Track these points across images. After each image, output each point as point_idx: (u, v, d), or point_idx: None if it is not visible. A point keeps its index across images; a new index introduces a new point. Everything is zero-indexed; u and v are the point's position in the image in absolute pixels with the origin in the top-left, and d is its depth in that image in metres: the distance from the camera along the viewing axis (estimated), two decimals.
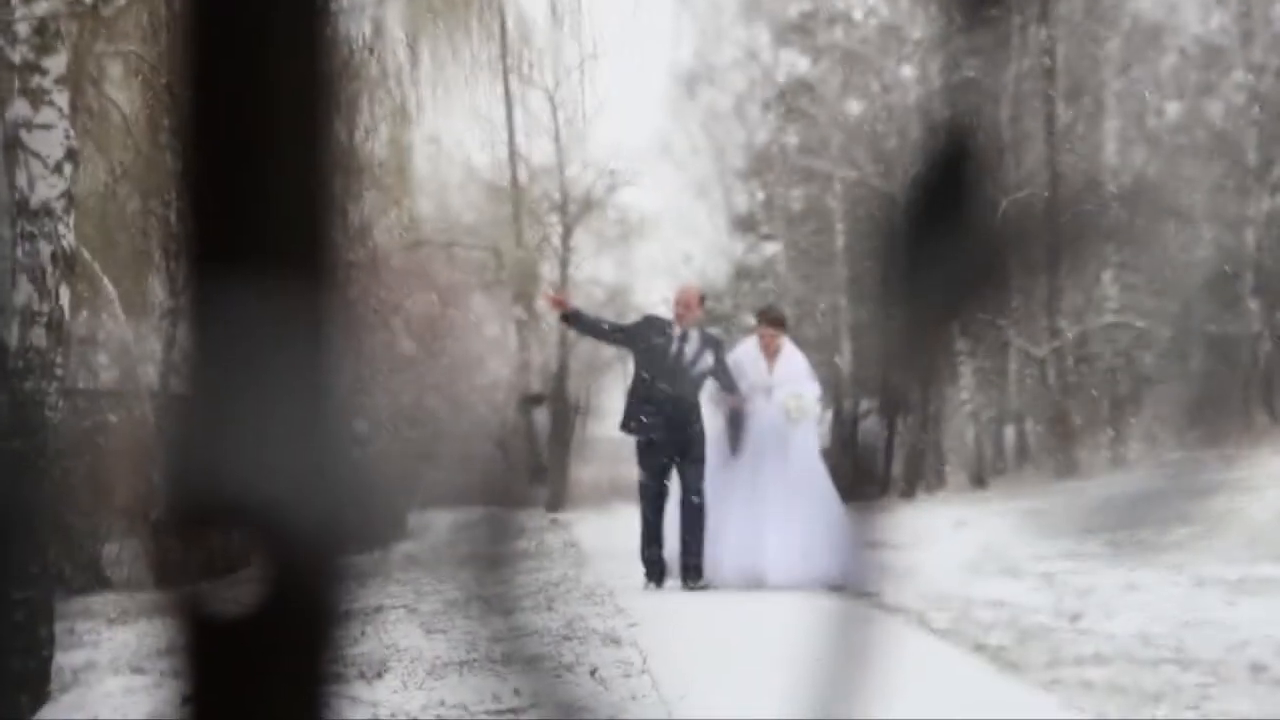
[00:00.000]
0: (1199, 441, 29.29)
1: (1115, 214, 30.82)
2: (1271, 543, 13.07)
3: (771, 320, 14.61)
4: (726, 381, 13.77)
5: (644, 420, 13.41)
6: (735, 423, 13.81)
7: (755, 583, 13.14)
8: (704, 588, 13.07)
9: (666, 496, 13.48)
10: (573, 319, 14.70)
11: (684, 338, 13.61)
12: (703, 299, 14.28)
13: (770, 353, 14.21)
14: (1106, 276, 30.75)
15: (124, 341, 20.14)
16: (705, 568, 13.28)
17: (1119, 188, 31.04)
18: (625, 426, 13.77)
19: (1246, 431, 28.82)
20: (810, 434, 14.39)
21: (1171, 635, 8.92)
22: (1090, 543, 15.55)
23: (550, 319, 33.44)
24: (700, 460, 13.38)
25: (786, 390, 13.96)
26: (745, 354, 14.42)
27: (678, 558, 13.47)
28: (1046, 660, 8.32)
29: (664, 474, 13.46)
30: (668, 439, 13.33)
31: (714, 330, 16.06)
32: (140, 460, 19.43)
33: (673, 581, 13.55)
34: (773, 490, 13.52)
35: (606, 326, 14.91)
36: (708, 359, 13.62)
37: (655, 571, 13.44)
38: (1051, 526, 17.98)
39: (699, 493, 13.17)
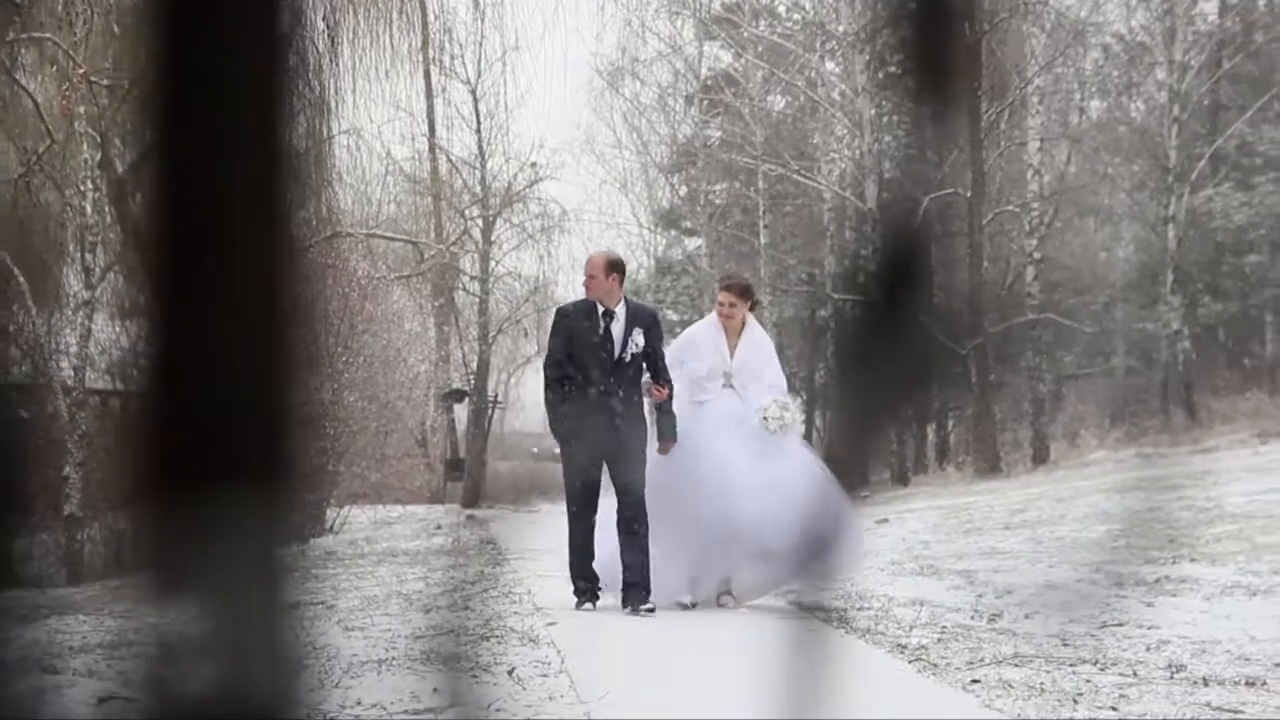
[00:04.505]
0: (1119, 440, 29.51)
1: (1037, 212, 31.00)
2: (1190, 542, 13.12)
3: (732, 288, 12.03)
4: (654, 365, 11.56)
5: (572, 418, 11.39)
6: (662, 415, 11.54)
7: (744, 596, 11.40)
8: (651, 611, 11.03)
9: (596, 506, 11.44)
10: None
11: (608, 316, 11.47)
12: (613, 265, 11.69)
13: (731, 330, 11.84)
14: (1028, 274, 30.92)
15: (36, 335, 19.94)
16: (671, 586, 11.40)
17: (1041, 186, 31.24)
18: (552, 427, 11.72)
19: (1166, 430, 29.04)
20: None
21: (1090, 635, 8.91)
22: (1010, 541, 15.57)
23: (470, 313, 33.52)
24: (639, 463, 11.37)
25: (760, 390, 11.70)
26: (702, 332, 12.15)
27: (609, 573, 11.47)
28: (966, 660, 8.27)
29: (594, 480, 11.41)
30: (599, 438, 11.33)
31: (644, 302, 13.47)
32: (52, 456, 19.22)
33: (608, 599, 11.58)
34: (756, 491, 11.20)
35: (556, 360, 11.79)
36: (637, 339, 11.46)
37: (587, 591, 11.40)
38: (972, 525, 18.01)
39: (638, 502, 11.26)
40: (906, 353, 2.33)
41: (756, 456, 11.45)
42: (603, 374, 11.42)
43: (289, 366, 1.92)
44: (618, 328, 11.45)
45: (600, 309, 11.49)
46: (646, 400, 11.77)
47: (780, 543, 10.86)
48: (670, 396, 11.54)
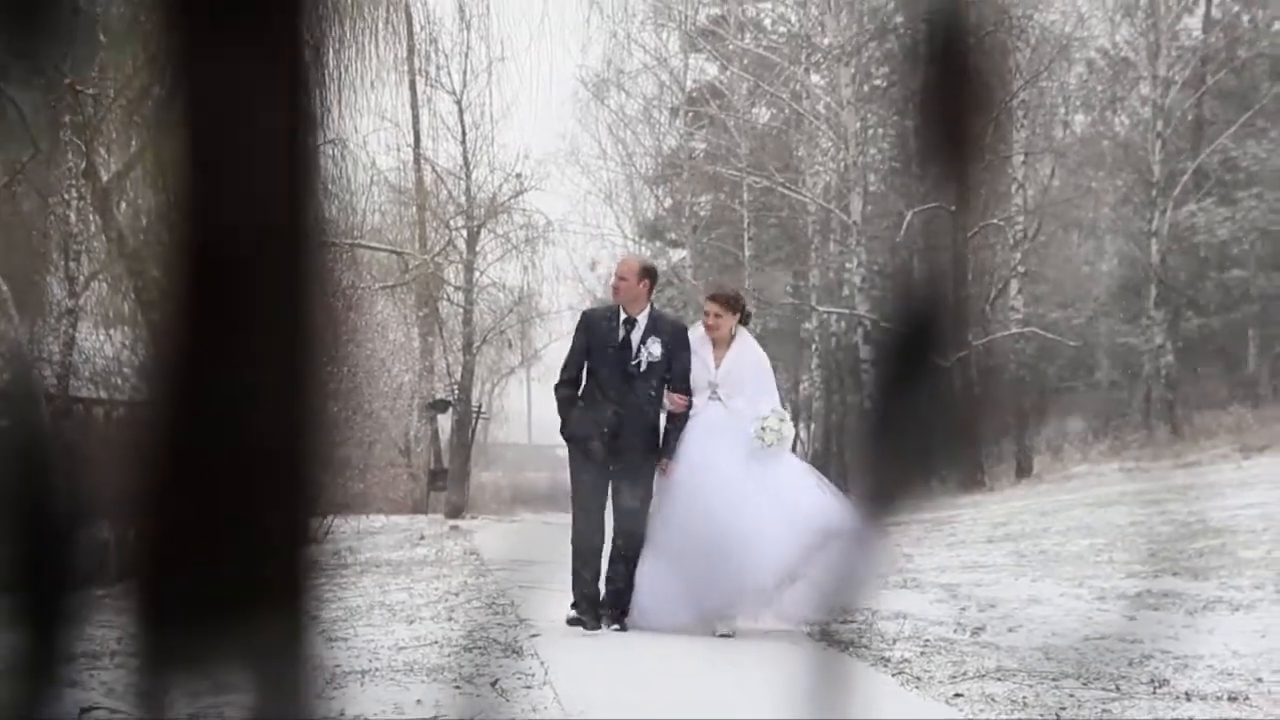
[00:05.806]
0: (1102, 453, 29.54)
1: (1021, 225, 31.02)
2: (1173, 557, 13.13)
3: (717, 299, 11.57)
4: (674, 374, 11.12)
5: (584, 426, 10.99)
6: (672, 427, 11.11)
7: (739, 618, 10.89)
8: (621, 629, 10.76)
9: (602, 517, 10.96)
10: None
11: (629, 323, 11.07)
12: (646, 270, 11.29)
13: (718, 341, 11.38)
14: (1012, 287, 30.94)
15: (18, 342, 19.85)
16: (664, 612, 10.87)
17: (1025, 199, 31.26)
18: (563, 430, 11.21)
19: (1149, 444, 29.08)
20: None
21: (1073, 649, 8.92)
22: (993, 555, 15.58)
23: (454, 323, 33.47)
24: (645, 482, 10.97)
25: (746, 402, 11.26)
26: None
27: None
28: (949, 674, 8.29)
29: (601, 493, 10.95)
30: (609, 452, 10.92)
31: (674, 316, 12.78)
32: (33, 465, 19.08)
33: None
34: (752, 515, 10.77)
35: (567, 364, 11.43)
36: (653, 348, 11.02)
37: (589, 610, 10.85)
38: (955, 538, 18.02)
39: (638, 522, 10.91)
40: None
41: (751, 473, 11.04)
42: (616, 381, 11.06)
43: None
44: (636, 335, 11.09)
45: (623, 315, 11.14)
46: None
47: (776, 568, 10.47)
48: (687, 410, 11.14)
